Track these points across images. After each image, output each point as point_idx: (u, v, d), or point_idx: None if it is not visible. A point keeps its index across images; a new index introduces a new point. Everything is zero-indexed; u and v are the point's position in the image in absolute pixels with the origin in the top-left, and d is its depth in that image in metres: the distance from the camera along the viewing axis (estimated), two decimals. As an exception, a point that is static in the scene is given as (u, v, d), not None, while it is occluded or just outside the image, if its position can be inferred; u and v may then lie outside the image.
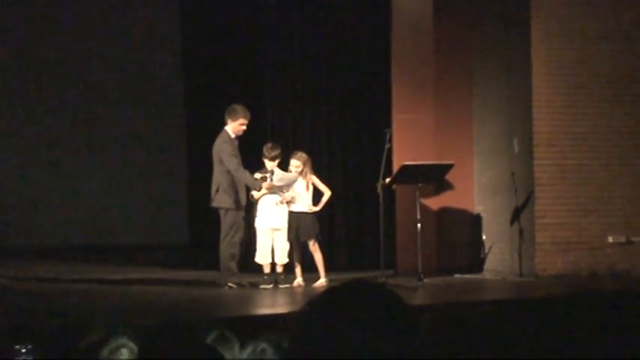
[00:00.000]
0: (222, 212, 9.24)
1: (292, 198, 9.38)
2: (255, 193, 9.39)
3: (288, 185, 9.33)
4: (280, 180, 9.28)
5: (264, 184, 9.21)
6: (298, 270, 9.43)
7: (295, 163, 9.40)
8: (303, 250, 9.50)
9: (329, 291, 1.66)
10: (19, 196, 14.33)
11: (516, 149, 10.21)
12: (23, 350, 3.42)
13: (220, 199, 9.22)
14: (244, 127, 9.32)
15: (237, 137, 9.34)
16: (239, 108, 9.35)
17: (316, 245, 9.41)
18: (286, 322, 6.05)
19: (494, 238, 10.61)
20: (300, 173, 9.40)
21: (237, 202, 9.19)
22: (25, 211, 14.29)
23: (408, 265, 10.15)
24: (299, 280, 9.41)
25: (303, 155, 9.50)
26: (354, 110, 11.59)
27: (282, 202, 9.36)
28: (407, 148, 10.48)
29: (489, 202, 10.76)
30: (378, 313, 1.55)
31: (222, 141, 9.27)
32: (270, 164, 9.36)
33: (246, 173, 9.22)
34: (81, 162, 14.46)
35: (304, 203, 9.42)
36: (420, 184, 9.77)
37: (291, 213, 9.39)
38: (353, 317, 1.54)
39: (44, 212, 14.20)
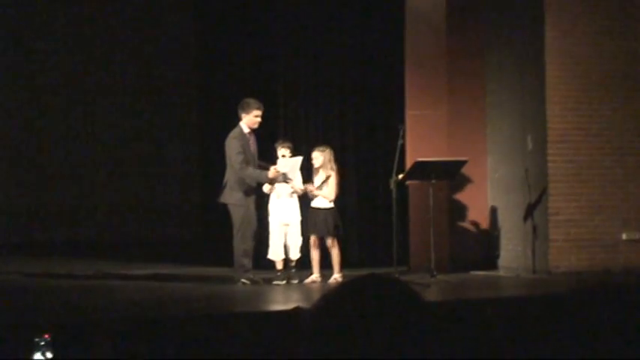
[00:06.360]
0: (230, 208, 9.23)
1: (312, 193, 9.35)
2: (266, 187, 9.39)
3: (293, 170, 9.31)
4: (284, 166, 9.26)
5: (270, 173, 9.17)
6: (316, 266, 9.42)
7: (315, 155, 9.41)
8: (320, 245, 9.48)
9: (343, 285, 1.66)
10: (41, 194, 14.37)
11: (530, 146, 10.18)
12: (42, 343, 3.44)
13: (226, 195, 9.21)
14: (259, 119, 9.29)
15: (253, 130, 9.33)
16: (251, 100, 9.34)
17: (334, 241, 9.39)
18: (300, 317, 6.06)
19: (508, 234, 10.59)
20: (322, 167, 9.37)
21: (243, 197, 9.15)
22: (39, 208, 14.34)
23: (420, 261, 10.14)
24: (315, 275, 9.40)
25: (324, 149, 9.49)
26: (367, 106, 11.57)
27: (295, 191, 9.35)
28: (420, 144, 10.47)
29: (503, 198, 10.73)
30: (394, 307, 1.55)
31: (232, 137, 9.25)
32: (281, 151, 9.39)
33: (249, 169, 9.16)
34: (92, 157, 14.50)
35: (324, 199, 9.40)
36: (433, 181, 9.75)
37: (311, 209, 9.39)
38: (368, 311, 1.54)
39: (52, 210, 14.24)
